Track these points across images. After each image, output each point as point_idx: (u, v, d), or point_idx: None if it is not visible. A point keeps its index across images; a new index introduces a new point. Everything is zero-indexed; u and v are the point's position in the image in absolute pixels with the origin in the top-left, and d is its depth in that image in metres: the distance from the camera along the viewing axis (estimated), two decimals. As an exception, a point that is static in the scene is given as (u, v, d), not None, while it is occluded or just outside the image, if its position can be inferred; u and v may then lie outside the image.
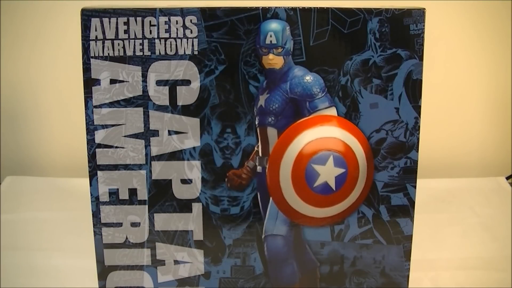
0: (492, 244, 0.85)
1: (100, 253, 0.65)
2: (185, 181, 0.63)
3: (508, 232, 0.87)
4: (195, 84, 0.61)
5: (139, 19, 0.59)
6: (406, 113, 0.62)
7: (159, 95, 0.61)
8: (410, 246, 0.65)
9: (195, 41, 0.60)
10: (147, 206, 0.64)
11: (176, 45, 0.60)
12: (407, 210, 0.64)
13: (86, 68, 0.60)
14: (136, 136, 0.62)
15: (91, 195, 0.63)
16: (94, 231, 0.64)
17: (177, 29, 0.60)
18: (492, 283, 0.75)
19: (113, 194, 0.63)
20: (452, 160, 1.14)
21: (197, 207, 0.64)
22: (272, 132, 0.62)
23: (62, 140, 1.13)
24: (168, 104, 0.61)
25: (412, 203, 0.64)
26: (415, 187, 0.64)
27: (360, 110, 0.62)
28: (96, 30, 0.59)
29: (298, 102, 0.62)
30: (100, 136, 0.62)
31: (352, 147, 0.62)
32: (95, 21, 0.59)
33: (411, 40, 0.60)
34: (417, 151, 0.63)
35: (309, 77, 0.61)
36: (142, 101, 0.61)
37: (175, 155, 0.63)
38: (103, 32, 0.59)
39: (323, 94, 0.61)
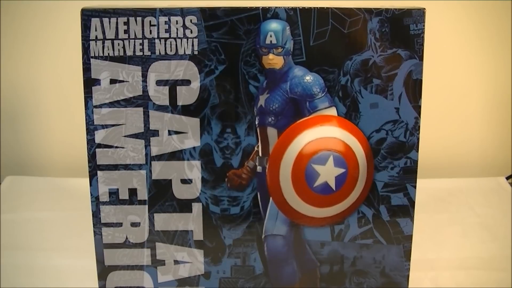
0: (492, 244, 0.85)
1: (100, 253, 0.65)
2: (185, 181, 0.63)
3: (508, 232, 0.87)
4: (195, 84, 0.61)
5: (139, 19, 0.59)
6: (406, 113, 0.62)
7: (159, 95, 0.61)
8: (410, 246, 0.65)
9: (195, 41, 0.60)
10: (147, 206, 0.64)
11: (176, 45, 0.60)
12: (407, 210, 0.64)
13: (86, 68, 0.60)
14: (136, 136, 0.62)
15: (91, 195, 0.63)
16: (94, 231, 0.64)
17: (177, 29, 0.60)
18: (492, 283, 0.75)
19: (113, 194, 0.63)
20: (452, 160, 1.14)
21: (197, 207, 0.64)
22: (272, 132, 0.62)
23: (62, 140, 1.12)
24: (168, 104, 0.61)
25: (412, 203, 0.64)
26: (415, 187, 0.64)
27: (360, 110, 0.62)
28: (96, 30, 0.59)
29: (298, 102, 0.61)
30: (100, 136, 0.62)
31: (352, 147, 0.62)
32: (95, 21, 0.59)
33: (411, 40, 0.60)
34: (417, 151, 0.63)
35: (309, 77, 0.61)
36: (142, 101, 0.61)
37: (175, 155, 0.63)
38: (103, 32, 0.59)
39: (323, 94, 0.61)
